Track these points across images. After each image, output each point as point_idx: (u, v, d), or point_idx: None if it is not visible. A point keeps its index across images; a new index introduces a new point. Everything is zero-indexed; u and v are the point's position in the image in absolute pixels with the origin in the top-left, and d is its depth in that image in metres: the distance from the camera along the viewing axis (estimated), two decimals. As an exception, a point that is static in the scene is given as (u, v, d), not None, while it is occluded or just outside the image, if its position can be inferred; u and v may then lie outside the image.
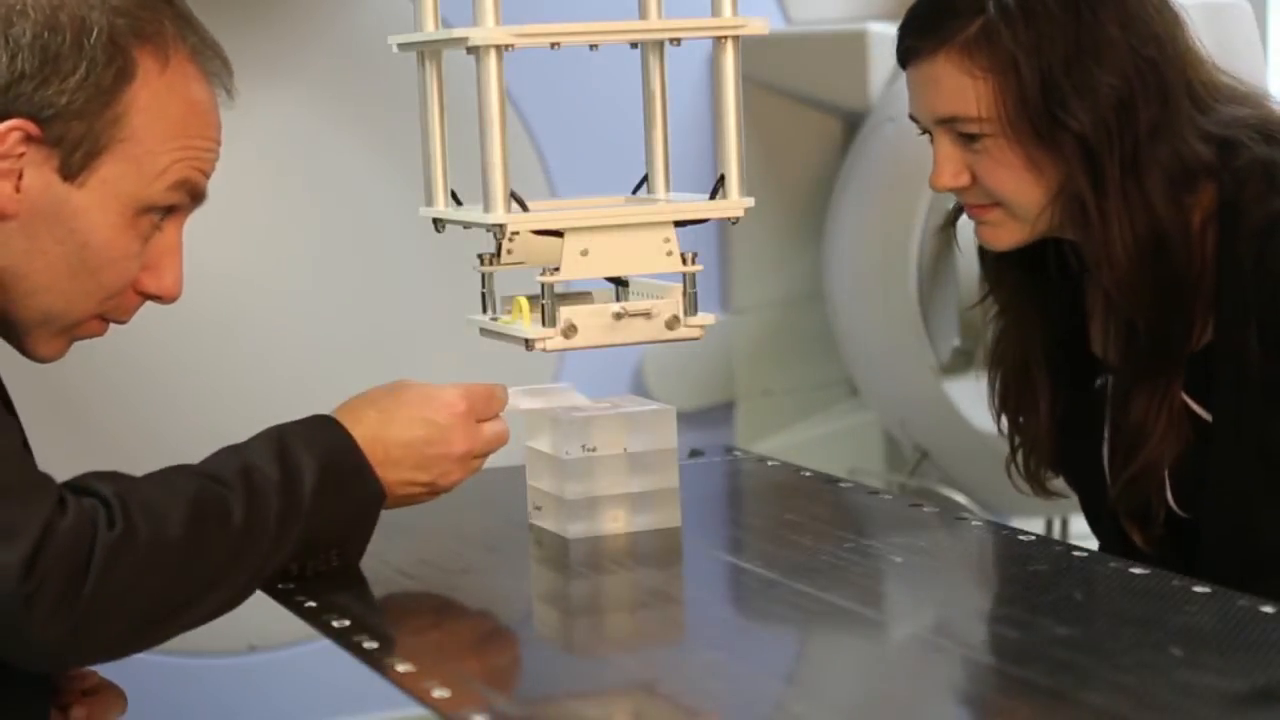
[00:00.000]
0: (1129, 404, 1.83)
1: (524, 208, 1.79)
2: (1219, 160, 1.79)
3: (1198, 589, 1.57)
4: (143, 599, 1.49)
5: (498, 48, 1.75)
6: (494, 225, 1.78)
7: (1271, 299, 1.75)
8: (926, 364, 3.49)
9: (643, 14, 1.90)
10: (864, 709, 1.44)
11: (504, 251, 1.84)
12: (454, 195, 1.92)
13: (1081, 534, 2.25)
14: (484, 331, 1.89)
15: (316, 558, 1.67)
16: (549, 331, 1.79)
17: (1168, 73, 1.79)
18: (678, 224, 1.83)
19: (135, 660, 1.54)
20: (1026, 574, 1.72)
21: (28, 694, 1.61)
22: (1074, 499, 2.02)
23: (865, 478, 3.45)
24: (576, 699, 1.44)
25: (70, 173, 1.56)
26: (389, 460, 1.68)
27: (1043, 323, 1.95)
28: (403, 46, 1.90)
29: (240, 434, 1.65)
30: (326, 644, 1.58)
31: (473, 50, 1.76)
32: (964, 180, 1.84)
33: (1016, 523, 2.82)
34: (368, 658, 1.51)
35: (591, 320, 1.81)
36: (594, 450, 1.85)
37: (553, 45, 1.79)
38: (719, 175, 1.84)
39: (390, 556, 1.77)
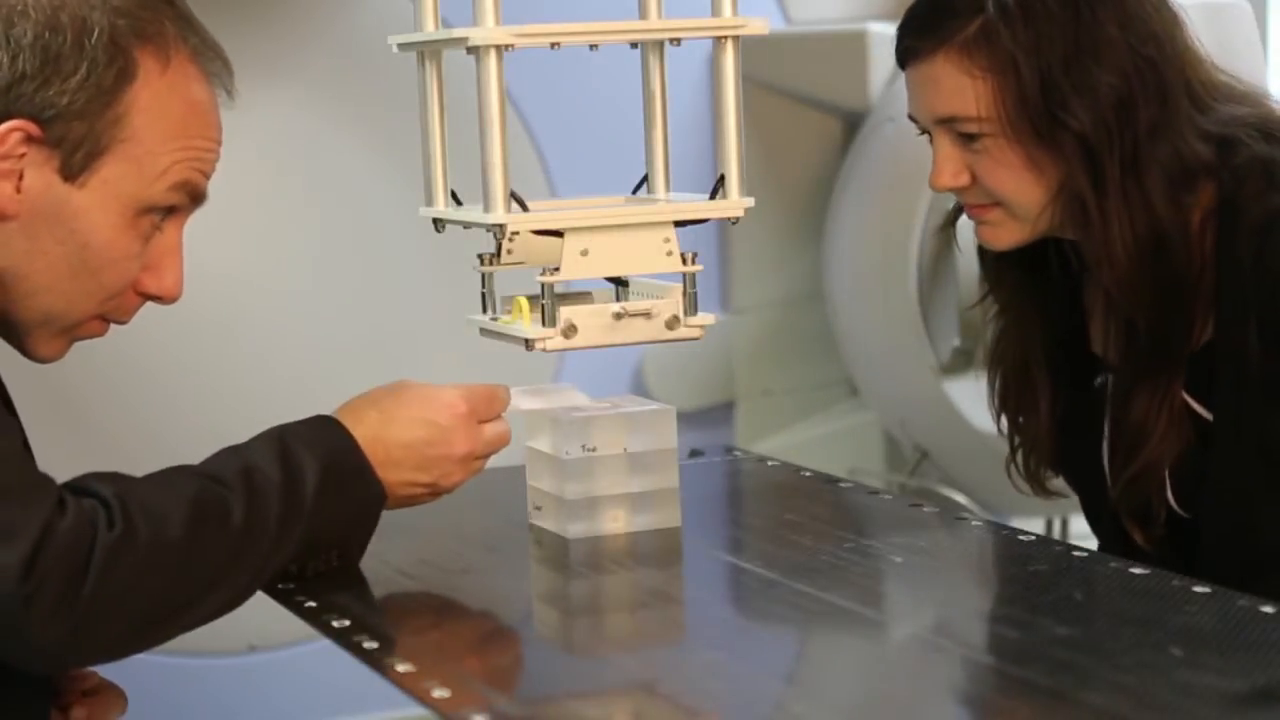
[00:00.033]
0: (1129, 403, 1.83)
1: (524, 208, 1.79)
2: (1218, 159, 1.79)
3: (1198, 589, 1.57)
4: (143, 600, 1.48)
5: (498, 48, 1.75)
6: (494, 225, 1.78)
7: (1271, 296, 1.75)
8: (926, 364, 3.48)
9: (643, 14, 1.90)
10: (864, 709, 1.44)
11: (504, 251, 1.84)
12: (454, 195, 1.92)
13: (1081, 534, 2.25)
14: (484, 331, 1.89)
15: (317, 558, 1.67)
16: (549, 331, 1.79)
17: (1167, 72, 1.79)
18: (678, 224, 1.83)
19: (135, 660, 1.54)
20: (1026, 574, 1.72)
21: (28, 694, 1.61)
22: (1074, 499, 2.01)
23: (865, 478, 3.45)
24: (576, 699, 1.44)
25: (71, 173, 1.55)
26: (390, 461, 1.68)
27: (1043, 322, 1.95)
28: (403, 46, 1.90)
29: (240, 434, 1.65)
30: (326, 644, 1.57)
31: (473, 50, 1.76)
32: (964, 180, 1.84)
33: (1016, 523, 2.82)
34: (368, 658, 1.51)
35: (591, 320, 1.81)
36: (594, 450, 1.85)
37: (553, 45, 1.79)
38: (719, 175, 1.84)
39: (390, 556, 1.77)
